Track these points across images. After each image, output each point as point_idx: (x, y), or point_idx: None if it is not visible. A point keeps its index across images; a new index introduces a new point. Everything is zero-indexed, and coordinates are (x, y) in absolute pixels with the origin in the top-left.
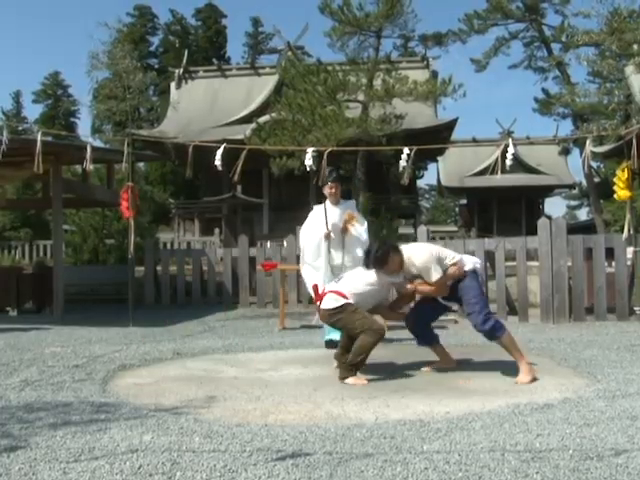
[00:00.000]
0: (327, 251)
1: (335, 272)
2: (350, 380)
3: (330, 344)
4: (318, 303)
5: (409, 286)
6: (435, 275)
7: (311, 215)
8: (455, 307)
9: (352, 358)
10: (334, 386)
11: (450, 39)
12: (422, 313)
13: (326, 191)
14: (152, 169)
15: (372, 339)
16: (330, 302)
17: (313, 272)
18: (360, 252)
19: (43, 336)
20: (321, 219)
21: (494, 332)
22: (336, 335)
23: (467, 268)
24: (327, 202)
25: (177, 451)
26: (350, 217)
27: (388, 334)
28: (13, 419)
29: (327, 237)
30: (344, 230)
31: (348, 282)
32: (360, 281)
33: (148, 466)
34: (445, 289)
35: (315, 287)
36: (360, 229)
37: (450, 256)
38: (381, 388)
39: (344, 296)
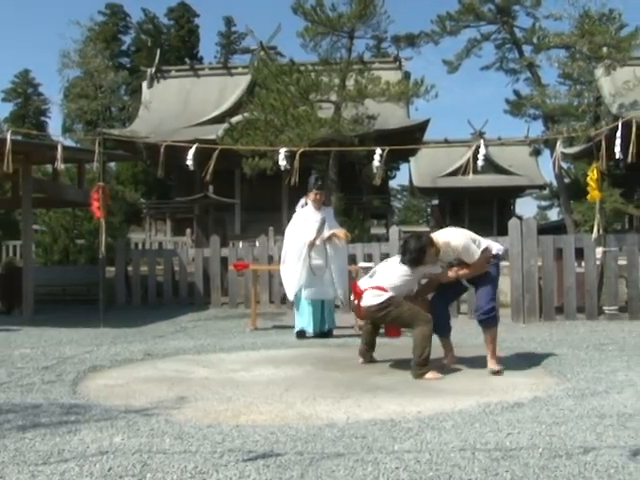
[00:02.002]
0: (307, 255)
1: (316, 272)
2: (429, 375)
3: (301, 334)
4: (356, 301)
5: (450, 274)
6: (476, 254)
7: (297, 218)
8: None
9: (420, 353)
10: (306, 386)
11: (422, 40)
12: (445, 296)
13: (311, 197)
14: (123, 169)
15: (428, 327)
16: (374, 299)
17: (292, 273)
18: (339, 254)
19: (12, 337)
20: (310, 227)
21: (491, 322)
22: (308, 326)
23: (494, 252)
24: (310, 207)
25: (147, 453)
26: (345, 236)
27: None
28: None
29: (312, 245)
30: (329, 239)
31: (385, 276)
32: (396, 274)
33: (118, 468)
34: (484, 267)
35: (354, 284)
36: (342, 242)
37: (479, 239)
38: (353, 388)
39: (385, 290)
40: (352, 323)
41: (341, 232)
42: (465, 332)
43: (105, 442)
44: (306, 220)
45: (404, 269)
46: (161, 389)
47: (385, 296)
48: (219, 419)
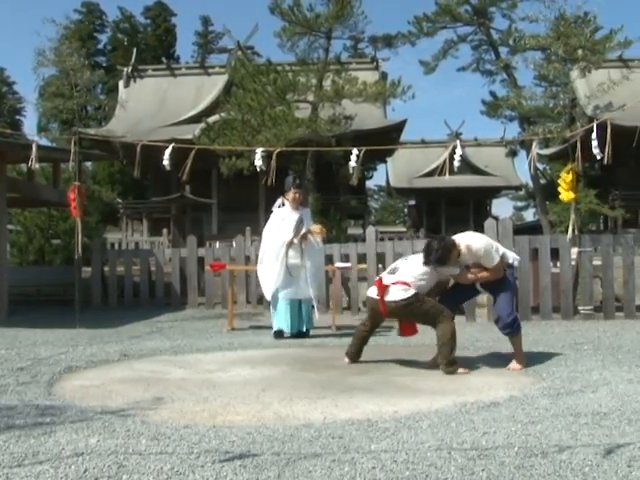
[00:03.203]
0: (285, 255)
1: (292, 272)
2: (461, 370)
3: (279, 334)
4: (379, 297)
5: (470, 276)
6: (495, 259)
7: (274, 218)
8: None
9: (449, 349)
10: (282, 387)
11: (399, 41)
12: (456, 296)
13: (289, 197)
14: (100, 168)
15: (450, 324)
16: (400, 293)
17: (269, 273)
18: (315, 253)
19: None
20: (288, 226)
21: (514, 333)
22: (286, 326)
23: (509, 262)
24: (287, 207)
25: (123, 454)
26: (321, 231)
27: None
28: None
29: (290, 244)
30: (304, 237)
31: (408, 272)
32: (418, 271)
33: (94, 470)
34: (501, 272)
35: (380, 281)
36: (318, 238)
37: (496, 245)
38: (330, 388)
39: (409, 285)
40: (329, 323)
41: (316, 227)
42: None
43: (81, 443)
44: (284, 220)
45: (425, 268)
46: (137, 390)
47: (411, 291)
48: (196, 420)
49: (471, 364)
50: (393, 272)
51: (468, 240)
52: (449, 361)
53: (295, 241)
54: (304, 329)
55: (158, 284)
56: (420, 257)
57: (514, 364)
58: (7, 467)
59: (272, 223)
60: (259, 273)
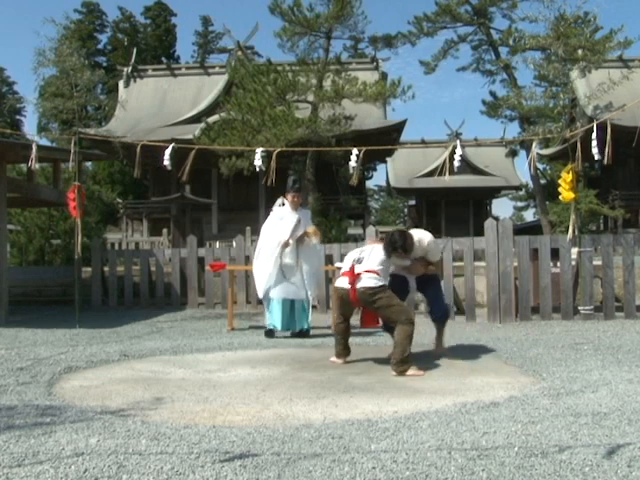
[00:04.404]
0: (279, 255)
1: (286, 273)
2: (411, 371)
3: (270, 333)
4: (350, 285)
5: (421, 267)
6: (439, 254)
7: (273, 216)
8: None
9: (402, 349)
10: (282, 387)
11: (399, 41)
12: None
13: (289, 199)
14: (100, 168)
15: (410, 327)
16: (371, 281)
17: (263, 271)
18: (312, 254)
19: None
20: (285, 227)
21: (444, 317)
22: (277, 325)
23: None
24: (287, 206)
25: (123, 454)
26: (315, 233)
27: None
28: None
29: (286, 245)
30: (300, 239)
31: (372, 261)
32: (379, 261)
33: (94, 470)
34: (439, 267)
35: (352, 268)
36: (314, 240)
37: None
38: (329, 388)
39: (379, 274)
40: (328, 323)
41: (311, 229)
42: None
43: (81, 443)
44: (282, 219)
45: (383, 258)
46: (137, 390)
47: (380, 281)
48: (195, 420)
49: (471, 364)
50: (359, 262)
51: (419, 235)
52: (401, 360)
53: (290, 242)
54: (297, 329)
55: (158, 284)
56: (379, 247)
57: (437, 349)
58: (7, 467)
59: (270, 222)
60: (254, 270)
